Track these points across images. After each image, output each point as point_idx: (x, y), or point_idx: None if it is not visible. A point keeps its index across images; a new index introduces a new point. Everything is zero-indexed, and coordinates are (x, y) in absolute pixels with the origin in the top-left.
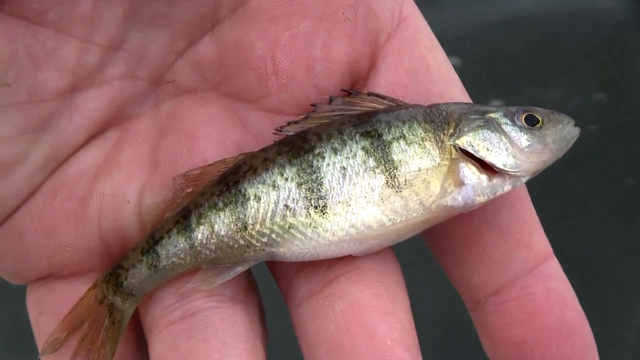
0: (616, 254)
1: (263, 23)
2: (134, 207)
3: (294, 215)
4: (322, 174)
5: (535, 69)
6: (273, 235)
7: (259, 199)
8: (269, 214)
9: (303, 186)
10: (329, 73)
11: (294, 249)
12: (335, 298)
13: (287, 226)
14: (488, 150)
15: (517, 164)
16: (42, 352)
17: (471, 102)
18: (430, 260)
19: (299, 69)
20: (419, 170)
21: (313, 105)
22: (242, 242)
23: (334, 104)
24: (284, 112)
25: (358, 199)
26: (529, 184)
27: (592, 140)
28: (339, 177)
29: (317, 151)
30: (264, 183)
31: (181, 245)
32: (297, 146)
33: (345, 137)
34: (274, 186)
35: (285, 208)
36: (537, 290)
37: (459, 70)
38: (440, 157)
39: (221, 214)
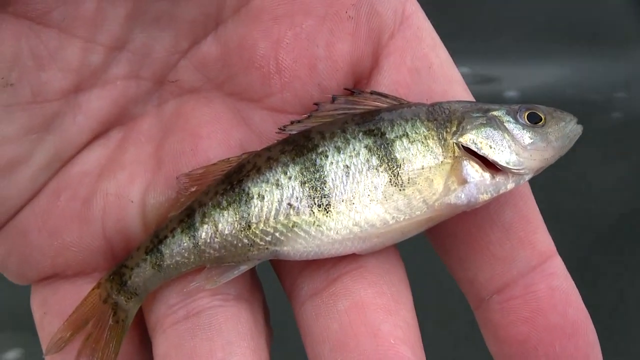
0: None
1: (266, 22)
2: (137, 207)
3: (297, 213)
4: (326, 173)
5: None
6: (277, 234)
7: (263, 197)
8: (273, 213)
9: (306, 185)
10: (331, 72)
11: (298, 247)
12: (339, 296)
13: (290, 225)
14: (491, 148)
15: (520, 162)
16: (47, 352)
17: (474, 100)
18: (433, 259)
19: (302, 68)
20: (422, 169)
21: (316, 104)
22: (246, 241)
23: (337, 103)
24: (287, 111)
25: (361, 198)
26: (532, 182)
27: None
28: (342, 176)
29: (320, 150)
30: (267, 182)
31: (185, 244)
32: (300, 145)
33: (349, 136)
34: (277, 185)
35: (289, 207)
36: (541, 288)
37: None
38: (443, 155)
39: (225, 213)
